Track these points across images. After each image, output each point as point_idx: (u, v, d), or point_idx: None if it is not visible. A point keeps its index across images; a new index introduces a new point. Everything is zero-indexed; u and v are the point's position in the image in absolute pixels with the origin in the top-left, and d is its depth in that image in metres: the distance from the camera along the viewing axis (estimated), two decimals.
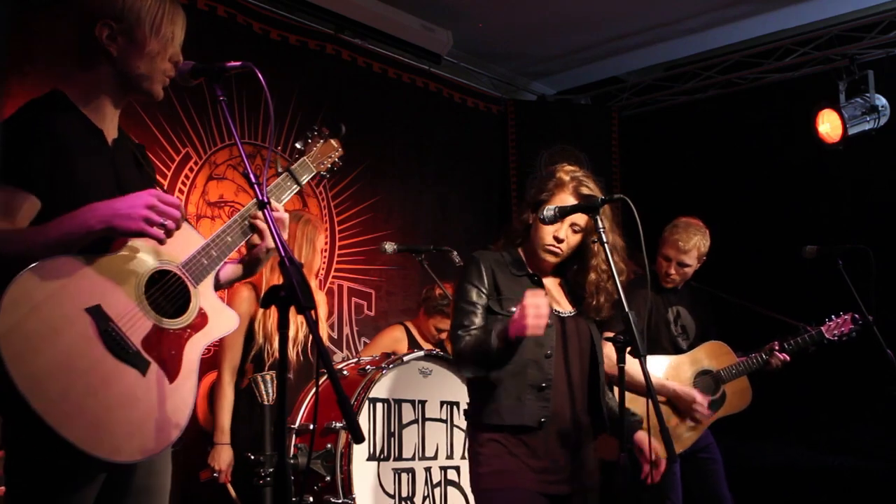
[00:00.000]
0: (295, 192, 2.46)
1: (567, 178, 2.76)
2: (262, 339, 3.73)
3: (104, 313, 1.98)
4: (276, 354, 3.75)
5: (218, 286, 2.30)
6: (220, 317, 2.21)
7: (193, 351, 2.15)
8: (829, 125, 5.06)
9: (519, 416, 2.61)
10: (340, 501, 3.37)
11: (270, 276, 3.78)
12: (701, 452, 4.01)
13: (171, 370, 2.09)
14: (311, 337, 3.77)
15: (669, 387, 3.89)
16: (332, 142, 2.59)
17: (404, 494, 3.62)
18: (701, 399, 3.87)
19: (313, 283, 4.12)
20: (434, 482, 3.72)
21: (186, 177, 4.55)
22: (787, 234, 4.30)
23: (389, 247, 4.26)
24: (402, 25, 5.42)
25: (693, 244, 3.98)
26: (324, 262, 5.14)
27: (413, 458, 3.70)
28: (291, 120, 5.06)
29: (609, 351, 3.84)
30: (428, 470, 3.73)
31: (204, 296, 2.18)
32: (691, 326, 4.14)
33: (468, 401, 2.83)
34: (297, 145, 2.50)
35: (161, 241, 2.03)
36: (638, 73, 6.52)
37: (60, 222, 1.96)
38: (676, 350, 4.07)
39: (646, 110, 6.66)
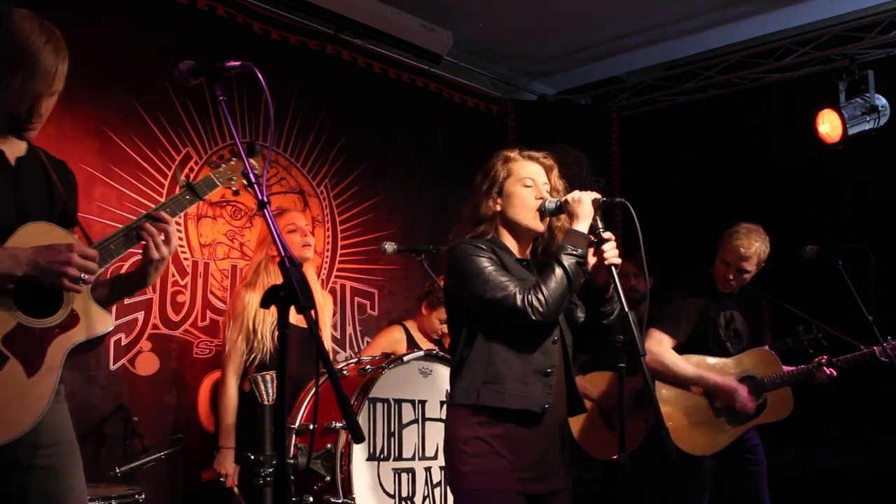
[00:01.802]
0: (193, 204, 2.42)
1: (512, 152, 2.80)
2: (254, 333, 3.77)
3: None
4: (257, 349, 3.80)
5: (100, 301, 2.32)
6: (92, 319, 2.25)
7: (58, 349, 2.19)
8: (829, 125, 5.06)
9: (523, 400, 2.55)
10: (340, 501, 3.36)
11: (269, 279, 3.81)
12: (747, 454, 4.00)
13: (31, 367, 2.14)
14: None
15: (710, 379, 3.89)
16: (234, 162, 2.53)
17: (404, 494, 3.62)
18: (743, 391, 3.87)
19: (316, 286, 4.15)
20: (434, 482, 3.72)
21: (187, 176, 4.54)
22: (787, 234, 4.30)
23: (389, 247, 4.25)
24: (402, 25, 5.42)
25: (754, 250, 3.95)
26: (326, 263, 5.15)
27: (413, 458, 3.70)
28: (292, 120, 5.06)
29: (652, 345, 3.88)
30: (428, 470, 3.73)
31: (79, 298, 2.23)
32: (745, 331, 4.10)
33: (451, 383, 2.69)
34: (213, 161, 2.51)
35: (77, 291, 2.15)
36: (638, 73, 6.53)
37: None
38: (723, 352, 4.05)
39: (646, 110, 6.67)
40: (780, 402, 4.04)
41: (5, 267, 2.06)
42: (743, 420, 3.95)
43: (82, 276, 2.12)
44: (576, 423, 4.53)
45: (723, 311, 4.08)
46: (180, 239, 4.49)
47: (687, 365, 3.94)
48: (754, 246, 3.95)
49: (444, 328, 4.56)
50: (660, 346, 3.94)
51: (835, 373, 4.02)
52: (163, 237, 2.27)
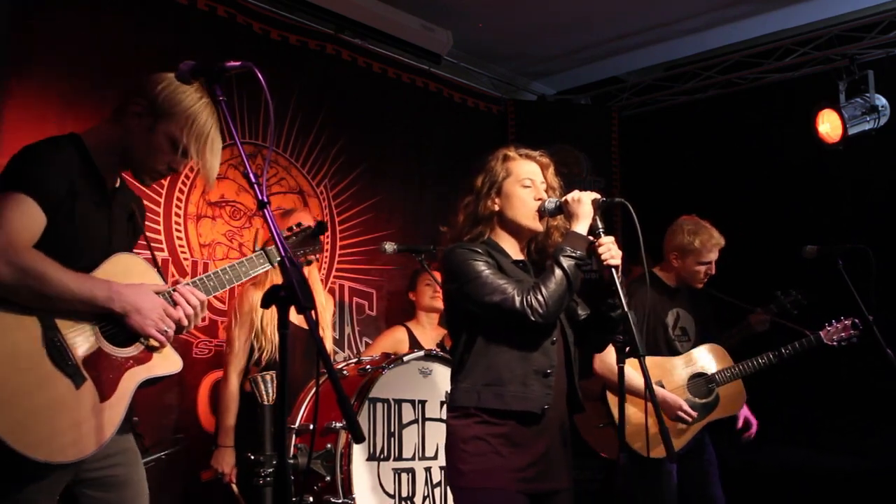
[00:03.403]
0: (264, 269, 2.55)
1: (511, 151, 2.83)
2: (262, 333, 3.79)
3: (54, 324, 2.15)
4: (266, 349, 3.81)
5: None
6: (164, 358, 2.36)
7: (130, 381, 2.28)
8: (829, 125, 5.06)
9: (523, 401, 2.56)
10: (340, 501, 3.37)
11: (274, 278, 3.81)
12: (701, 454, 4.01)
13: (105, 391, 2.22)
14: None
15: (661, 393, 3.87)
16: (320, 238, 2.79)
17: (404, 494, 3.62)
18: (687, 407, 3.87)
19: (318, 287, 4.17)
20: (434, 482, 3.73)
21: (187, 177, 4.55)
22: (787, 234, 4.30)
23: (389, 247, 4.26)
24: (402, 25, 5.42)
25: (719, 237, 4.04)
26: (325, 263, 5.14)
27: (413, 458, 3.70)
28: (292, 120, 5.06)
29: (603, 354, 3.89)
30: (428, 470, 3.73)
31: None
32: (691, 328, 4.12)
33: (452, 385, 2.70)
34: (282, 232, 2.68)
35: (160, 346, 2.32)
36: (638, 73, 6.52)
37: (88, 283, 2.19)
38: (672, 352, 4.06)
39: (646, 110, 6.66)
40: (732, 397, 4.05)
41: (107, 300, 2.20)
42: (698, 418, 3.95)
43: (168, 329, 2.28)
44: (583, 422, 4.54)
45: (670, 309, 4.09)
46: (179, 239, 4.49)
47: (638, 376, 3.91)
48: (718, 235, 4.05)
49: (437, 287, 4.64)
50: (610, 355, 3.91)
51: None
52: (191, 311, 2.35)
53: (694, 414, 3.87)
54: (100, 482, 2.28)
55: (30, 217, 2.15)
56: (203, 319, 2.48)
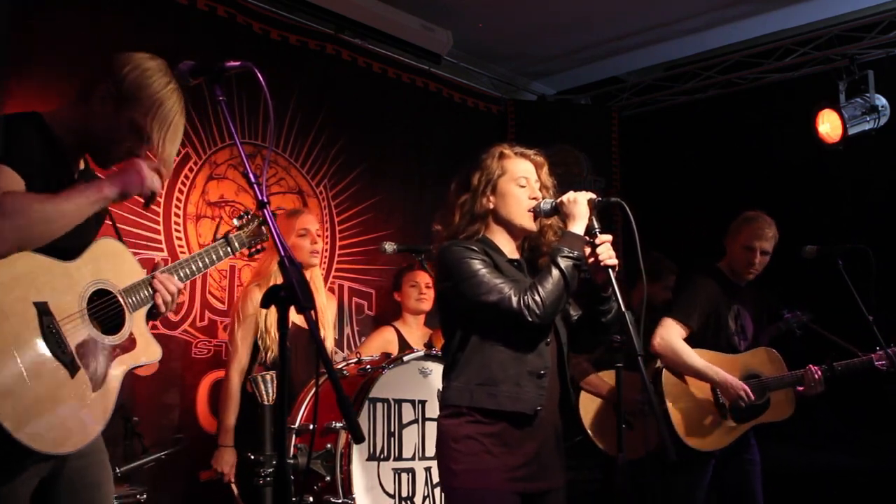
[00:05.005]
0: (228, 256, 2.66)
1: (506, 149, 2.81)
2: (267, 332, 3.79)
3: (49, 311, 2.12)
4: (271, 348, 3.82)
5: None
6: (146, 346, 2.37)
7: (118, 369, 2.27)
8: (829, 125, 5.06)
9: (516, 401, 2.55)
10: (340, 501, 3.37)
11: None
12: (745, 453, 4.01)
13: (96, 381, 2.20)
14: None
15: (721, 374, 3.89)
16: (263, 228, 2.80)
17: (404, 494, 3.62)
18: (748, 390, 3.87)
19: (321, 287, 4.19)
20: (434, 482, 3.72)
21: (186, 177, 4.55)
22: (787, 234, 4.30)
23: (389, 247, 4.26)
24: (402, 25, 5.43)
25: (773, 232, 4.01)
26: (324, 263, 5.14)
27: (413, 458, 3.70)
28: (291, 120, 5.06)
29: (663, 332, 3.87)
30: (428, 470, 3.73)
31: (136, 323, 2.34)
32: (749, 327, 4.10)
33: (444, 384, 2.68)
34: (235, 221, 2.77)
35: (153, 197, 2.33)
36: (638, 73, 6.53)
37: (78, 191, 2.17)
38: (731, 349, 4.04)
39: (646, 110, 6.67)
40: (782, 403, 4.04)
41: (96, 191, 2.20)
42: (748, 418, 3.95)
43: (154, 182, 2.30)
44: (590, 420, 4.53)
45: (731, 305, 4.07)
46: (178, 239, 4.49)
47: (697, 357, 3.93)
48: (773, 228, 4.01)
49: (423, 296, 4.68)
50: (671, 334, 3.93)
51: (819, 374, 3.96)
52: (169, 298, 2.40)
53: (752, 396, 3.87)
54: (74, 481, 2.24)
55: (8, 178, 2.09)
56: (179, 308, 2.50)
